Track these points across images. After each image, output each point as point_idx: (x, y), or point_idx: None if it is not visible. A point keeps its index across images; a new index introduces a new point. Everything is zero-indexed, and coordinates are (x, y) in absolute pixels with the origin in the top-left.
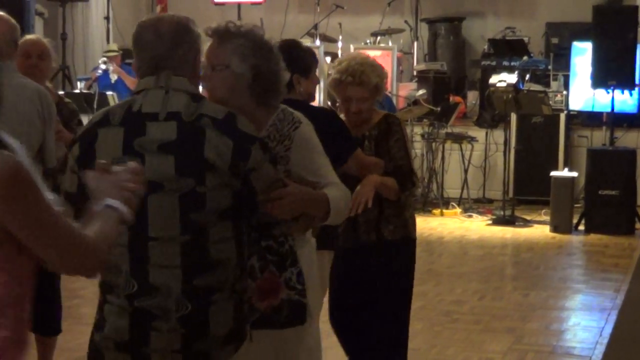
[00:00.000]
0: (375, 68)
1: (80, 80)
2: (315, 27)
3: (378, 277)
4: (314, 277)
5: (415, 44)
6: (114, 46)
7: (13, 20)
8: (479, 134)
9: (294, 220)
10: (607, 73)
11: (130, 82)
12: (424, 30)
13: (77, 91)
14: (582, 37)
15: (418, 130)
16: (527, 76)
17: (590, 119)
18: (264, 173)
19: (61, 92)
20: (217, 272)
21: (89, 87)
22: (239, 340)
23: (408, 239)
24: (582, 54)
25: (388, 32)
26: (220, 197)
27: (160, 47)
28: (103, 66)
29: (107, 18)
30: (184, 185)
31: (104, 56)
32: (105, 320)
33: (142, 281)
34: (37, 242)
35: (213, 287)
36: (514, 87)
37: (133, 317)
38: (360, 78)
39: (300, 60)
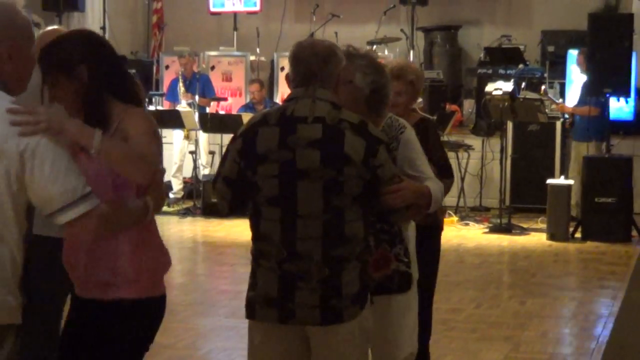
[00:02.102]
0: (412, 66)
1: None
2: (312, 35)
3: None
4: (414, 252)
5: (412, 52)
6: None
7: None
8: (475, 142)
9: (405, 208)
10: (603, 81)
11: None
12: (420, 38)
13: None
14: (577, 45)
15: None
16: (523, 84)
17: None
18: (387, 169)
19: None
20: (348, 245)
21: None
22: (363, 301)
23: (437, 226)
24: None
25: (384, 41)
26: (354, 186)
27: (313, 63)
28: None
29: (103, 28)
30: (327, 174)
31: None
32: (257, 281)
33: (291, 249)
34: None
35: (345, 257)
36: (510, 95)
37: (281, 279)
38: (398, 71)
39: None
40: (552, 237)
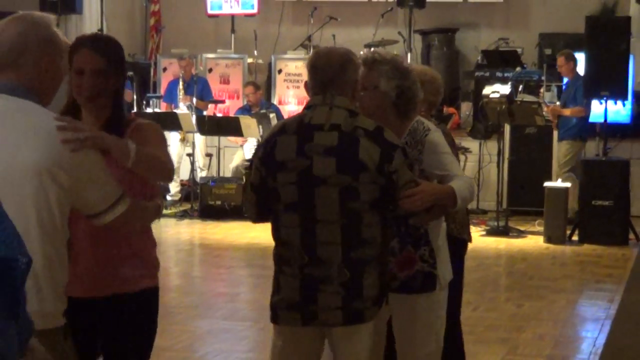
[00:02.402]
0: (429, 73)
1: None
2: (309, 38)
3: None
4: (446, 252)
5: (409, 55)
6: None
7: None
8: (473, 144)
9: (425, 211)
10: (600, 83)
11: (126, 94)
12: (417, 41)
13: None
14: (575, 48)
15: None
16: (521, 87)
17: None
18: (402, 174)
19: None
20: (367, 248)
21: None
22: (382, 302)
23: (464, 239)
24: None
25: (382, 44)
26: (370, 191)
27: (330, 71)
28: None
29: (100, 30)
30: (343, 180)
31: None
32: (280, 286)
33: (311, 254)
34: None
35: (365, 260)
36: (508, 98)
37: (303, 283)
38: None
39: None
40: (549, 239)
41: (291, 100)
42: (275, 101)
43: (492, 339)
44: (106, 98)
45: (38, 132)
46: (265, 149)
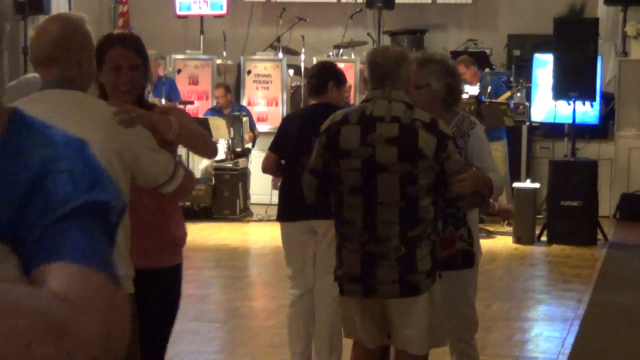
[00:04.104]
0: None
1: None
2: (278, 39)
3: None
4: (478, 233)
5: None
6: None
7: None
8: None
9: (471, 195)
10: (569, 85)
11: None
12: (386, 42)
13: None
14: (543, 49)
15: None
16: (489, 88)
17: (552, 130)
18: (454, 161)
19: None
20: (421, 226)
21: None
22: (435, 275)
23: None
24: (544, 66)
25: (351, 45)
26: (426, 176)
27: (387, 67)
28: None
29: None
30: (404, 168)
31: None
32: (343, 260)
33: (371, 232)
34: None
35: (419, 237)
36: (476, 99)
37: (363, 258)
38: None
39: (338, 74)
40: (518, 240)
41: (260, 101)
42: (244, 102)
43: None
44: (137, 90)
45: (97, 118)
46: (328, 137)
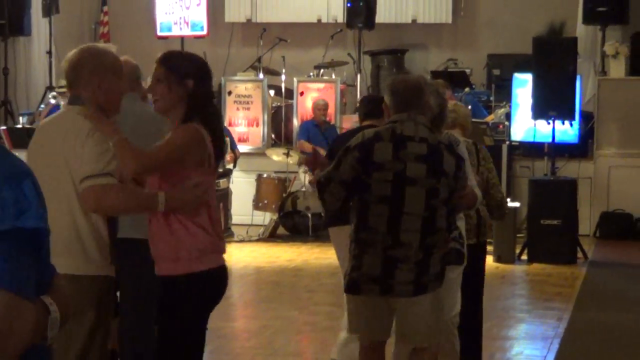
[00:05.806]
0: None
1: (23, 115)
2: (259, 60)
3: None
4: (465, 237)
5: (359, 76)
6: (64, 82)
7: (134, 62)
8: None
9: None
10: (548, 104)
11: None
12: (367, 62)
13: (19, 126)
14: (523, 69)
15: None
16: (469, 107)
17: (532, 149)
18: (464, 179)
19: (3, 127)
20: (438, 235)
21: (32, 122)
22: (442, 278)
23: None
24: (523, 85)
25: (331, 65)
26: (445, 191)
27: (408, 95)
28: (53, 101)
29: (49, 52)
30: (430, 183)
31: (55, 91)
32: (362, 263)
33: (395, 238)
34: None
35: (434, 244)
36: None
37: (384, 261)
38: None
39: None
40: (498, 259)
41: (241, 121)
42: (225, 123)
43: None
44: (171, 100)
45: (69, 128)
46: (360, 152)
